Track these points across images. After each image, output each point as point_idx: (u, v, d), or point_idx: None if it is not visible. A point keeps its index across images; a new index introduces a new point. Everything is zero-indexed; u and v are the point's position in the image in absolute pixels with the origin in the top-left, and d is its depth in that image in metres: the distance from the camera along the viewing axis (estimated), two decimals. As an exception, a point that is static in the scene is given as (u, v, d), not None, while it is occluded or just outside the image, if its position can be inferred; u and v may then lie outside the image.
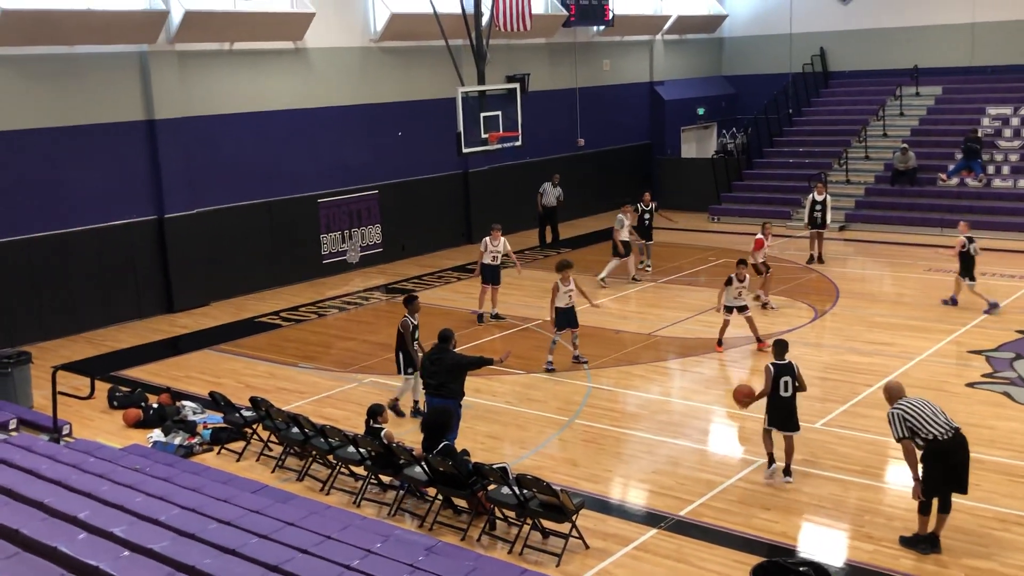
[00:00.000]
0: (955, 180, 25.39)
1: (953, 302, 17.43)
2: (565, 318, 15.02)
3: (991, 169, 25.35)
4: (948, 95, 28.61)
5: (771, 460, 10.89)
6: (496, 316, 17.87)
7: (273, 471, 11.62)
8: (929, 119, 28.10)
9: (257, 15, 19.94)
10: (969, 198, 24.67)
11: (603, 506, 10.44)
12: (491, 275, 17.77)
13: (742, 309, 15.58)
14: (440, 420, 10.28)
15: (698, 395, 13.94)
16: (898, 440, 9.09)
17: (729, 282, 15.46)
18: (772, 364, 10.72)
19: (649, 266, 21.37)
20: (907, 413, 9.00)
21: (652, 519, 10.11)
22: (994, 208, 24.13)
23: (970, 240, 17.06)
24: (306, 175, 21.90)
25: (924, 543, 9.17)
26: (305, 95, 21.72)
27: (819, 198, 20.91)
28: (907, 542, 9.28)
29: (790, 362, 10.74)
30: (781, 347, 10.84)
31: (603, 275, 20.20)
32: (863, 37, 30.60)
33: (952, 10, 28.97)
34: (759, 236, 18.40)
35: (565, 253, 23.98)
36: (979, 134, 25.89)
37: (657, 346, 16.19)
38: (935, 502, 9.14)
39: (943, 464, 8.93)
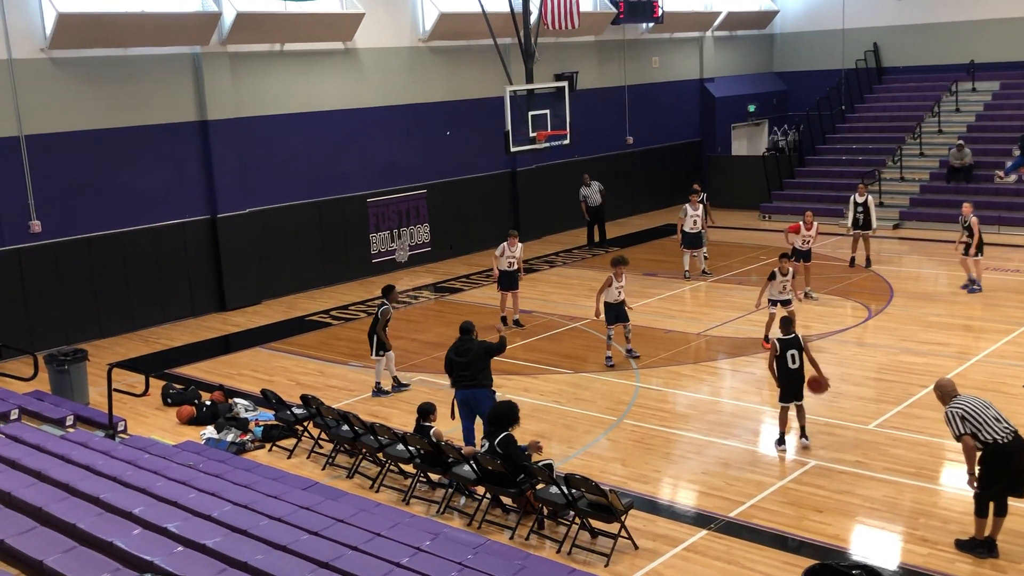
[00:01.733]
0: (1013, 177, 24.83)
1: (974, 284, 18.06)
2: (615, 313, 15.10)
3: (1051, 166, 24.77)
4: (1005, 90, 28.00)
5: (782, 439, 11.61)
6: (517, 323, 17.62)
7: (323, 468, 11.71)
8: (986, 115, 27.53)
9: (307, 16, 20.12)
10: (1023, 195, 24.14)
11: (652, 506, 10.38)
12: (508, 281, 17.36)
13: (786, 303, 15.45)
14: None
15: (748, 395, 13.79)
16: (957, 438, 8.91)
17: (772, 276, 15.37)
18: (777, 339, 11.41)
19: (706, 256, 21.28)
20: (967, 413, 8.84)
21: (702, 520, 10.03)
22: (1053, 205, 23.58)
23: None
24: (355, 175, 22.06)
25: (981, 547, 8.99)
26: (354, 95, 21.88)
27: (860, 199, 20.39)
28: (963, 546, 9.11)
29: (795, 335, 11.37)
30: (786, 323, 11.56)
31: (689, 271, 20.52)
32: (918, 32, 30.07)
33: (1009, 3, 28.34)
34: (797, 221, 18.42)
35: (614, 252, 23.88)
36: (1038, 130, 25.31)
37: (707, 346, 16.06)
38: (991, 505, 8.95)
39: (1002, 467, 8.77)
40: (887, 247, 22.77)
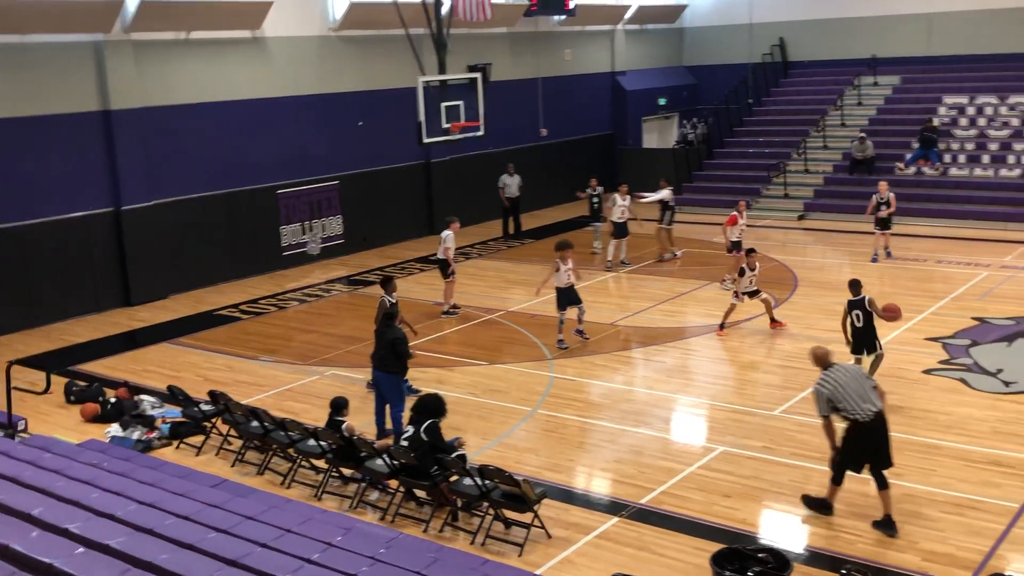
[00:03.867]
0: (912, 169, 25.68)
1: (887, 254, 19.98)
2: (567, 297, 15.41)
3: (947, 158, 25.67)
4: (906, 85, 28.92)
5: None
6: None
7: (233, 465, 11.52)
8: (887, 108, 28.39)
9: (214, 4, 19.68)
10: (926, 187, 24.96)
11: (566, 495, 10.46)
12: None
13: (754, 294, 15.91)
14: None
15: (660, 384, 13.99)
16: (820, 417, 9.52)
17: (742, 273, 15.78)
18: (849, 300, 12.69)
19: (599, 250, 21.52)
20: (834, 391, 9.35)
21: (614, 507, 10.15)
22: (951, 196, 24.42)
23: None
24: (265, 166, 21.70)
25: (823, 507, 9.67)
26: (264, 85, 21.51)
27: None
28: (811, 502, 9.79)
29: (863, 297, 12.59)
30: (854, 285, 12.81)
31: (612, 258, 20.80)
32: (822, 27, 30.84)
33: (909, 0, 29.26)
34: (733, 213, 18.74)
35: (529, 244, 23.99)
36: (936, 123, 26.19)
37: (620, 336, 16.23)
38: (873, 481, 9.51)
39: (862, 443, 9.35)
40: (792, 237, 23.33)
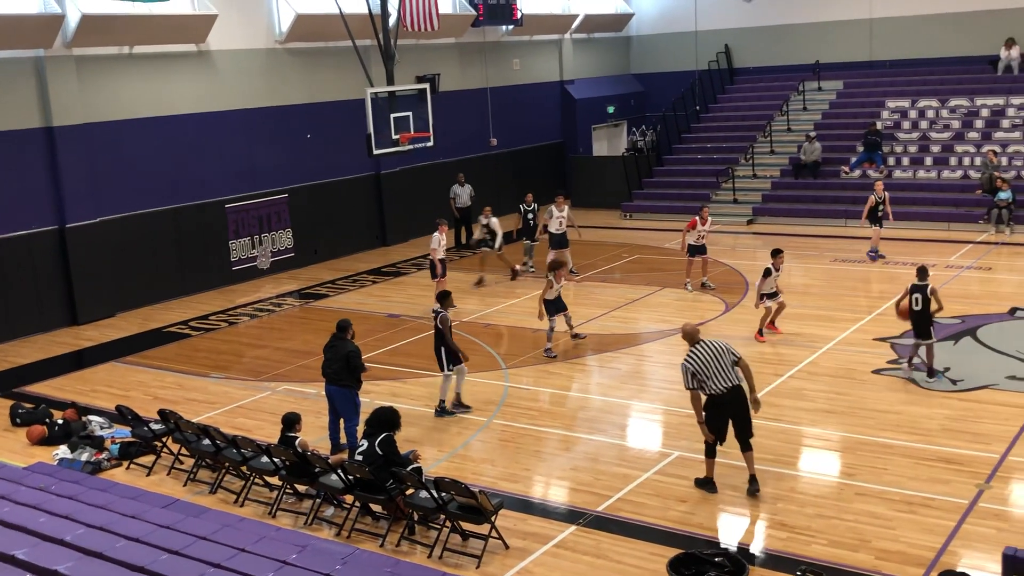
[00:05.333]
0: (857, 172, 26.09)
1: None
2: (555, 306, 15.53)
3: (891, 161, 26.13)
4: (849, 89, 29.39)
5: (910, 361, 13.63)
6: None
7: (185, 484, 11.35)
8: (832, 113, 28.83)
9: (157, 18, 19.44)
10: (871, 189, 25.25)
11: (523, 505, 10.44)
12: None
13: (773, 296, 15.85)
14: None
15: (615, 391, 14.04)
16: (687, 389, 10.29)
17: (767, 273, 15.60)
18: (913, 284, 13.43)
19: (532, 267, 21.24)
20: (698, 367, 10.08)
21: (571, 516, 10.14)
22: (895, 199, 24.65)
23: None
24: (213, 180, 21.46)
25: (710, 484, 10.41)
26: (210, 98, 21.29)
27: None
28: (699, 482, 10.51)
29: (926, 284, 13.30)
30: (922, 272, 13.56)
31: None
32: (766, 34, 31.27)
33: (851, 6, 29.78)
34: (694, 217, 18.76)
35: (481, 253, 23.95)
36: (879, 127, 26.65)
37: (575, 343, 16.25)
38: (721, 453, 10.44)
39: (719, 414, 10.20)
40: (742, 242, 23.56)
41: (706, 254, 18.95)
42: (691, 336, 10.50)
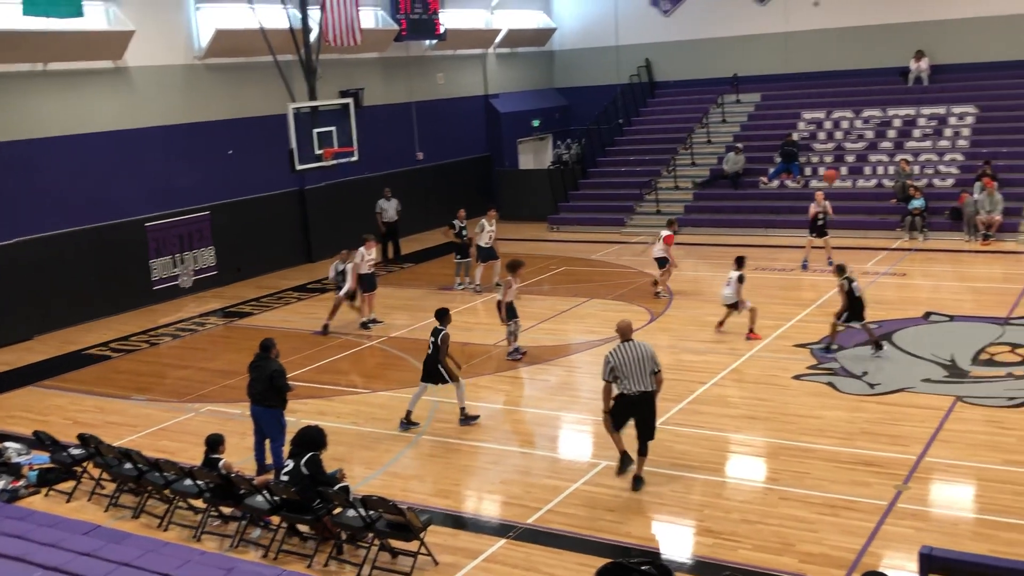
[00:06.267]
0: (776, 182, 26.66)
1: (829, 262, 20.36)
2: (512, 310, 15.81)
3: (808, 171, 26.75)
4: (766, 101, 30.04)
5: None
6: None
7: (106, 510, 11.09)
8: (750, 125, 29.42)
9: (71, 33, 19.01)
10: (789, 199, 25.92)
11: (453, 520, 10.42)
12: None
13: (735, 305, 16.43)
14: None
15: (544, 403, 14.11)
16: (602, 380, 10.74)
17: (742, 280, 16.31)
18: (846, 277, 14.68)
19: (469, 284, 21.07)
20: (617, 363, 10.56)
21: (501, 529, 10.16)
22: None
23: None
24: (132, 198, 21.05)
25: (623, 460, 11.04)
26: (129, 115, 20.90)
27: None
28: (620, 470, 11.03)
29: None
30: (840, 268, 14.97)
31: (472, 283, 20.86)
32: (685, 48, 31.79)
33: (767, 20, 30.46)
34: (668, 233, 19.56)
35: (409, 268, 23.92)
36: (796, 138, 27.28)
37: (503, 356, 16.27)
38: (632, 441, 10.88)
39: (625, 412, 10.77)
40: (667, 252, 23.82)
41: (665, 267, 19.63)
42: (623, 333, 10.87)
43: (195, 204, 22.37)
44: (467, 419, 13.15)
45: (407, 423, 13.12)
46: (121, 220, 20.84)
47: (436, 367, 12.92)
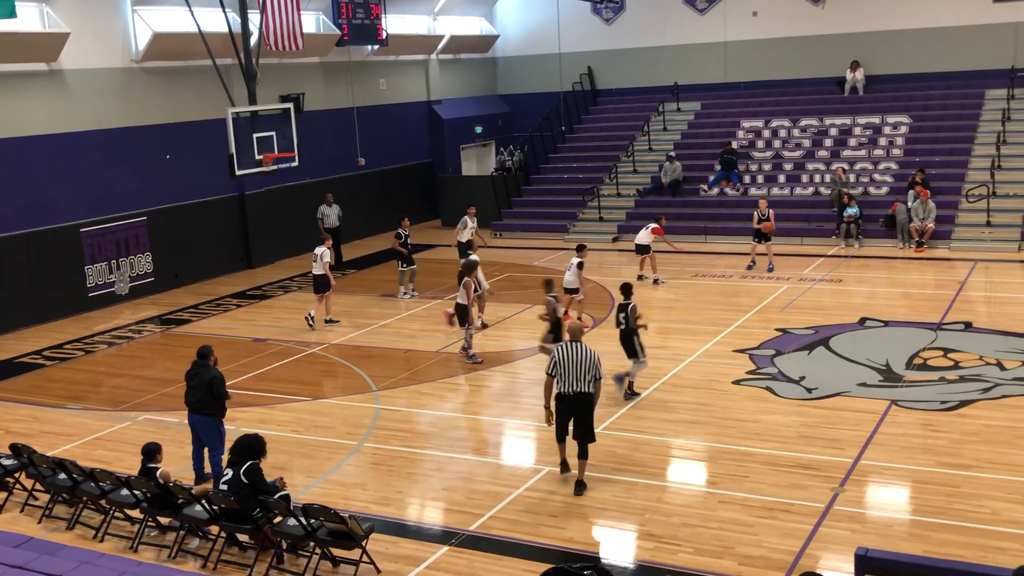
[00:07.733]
0: (715, 190, 27.01)
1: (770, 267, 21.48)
2: (465, 313, 16.00)
3: (747, 179, 27.14)
4: (706, 110, 30.43)
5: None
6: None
7: (40, 522, 10.83)
8: (690, 133, 29.77)
9: (4, 35, 18.57)
10: (729, 206, 26.29)
11: (395, 528, 10.36)
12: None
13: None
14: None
15: (488, 409, 14.12)
16: (546, 374, 10.97)
17: (581, 266, 17.60)
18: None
19: (414, 293, 20.97)
20: (559, 360, 10.76)
21: (444, 536, 10.13)
22: (750, 216, 25.71)
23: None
24: (66, 203, 20.62)
25: (563, 466, 11.27)
26: (63, 119, 20.49)
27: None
28: (562, 470, 11.25)
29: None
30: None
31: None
32: (627, 56, 32.08)
33: (706, 30, 30.87)
34: (656, 225, 21.15)
35: (351, 274, 23.77)
36: (735, 146, 27.67)
37: (447, 363, 16.25)
38: (569, 442, 11.10)
39: (561, 412, 10.95)
40: (608, 259, 24.04)
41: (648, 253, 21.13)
42: (572, 334, 11.06)
43: (132, 209, 22.00)
44: (632, 395, 13.82)
45: (631, 393, 13.82)
46: (55, 226, 20.41)
47: (631, 341, 13.75)
